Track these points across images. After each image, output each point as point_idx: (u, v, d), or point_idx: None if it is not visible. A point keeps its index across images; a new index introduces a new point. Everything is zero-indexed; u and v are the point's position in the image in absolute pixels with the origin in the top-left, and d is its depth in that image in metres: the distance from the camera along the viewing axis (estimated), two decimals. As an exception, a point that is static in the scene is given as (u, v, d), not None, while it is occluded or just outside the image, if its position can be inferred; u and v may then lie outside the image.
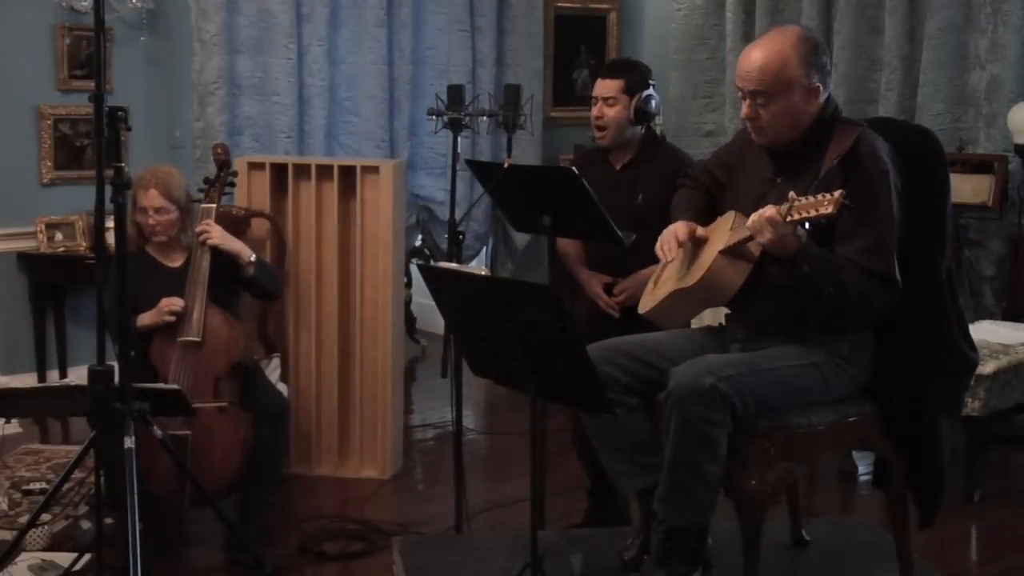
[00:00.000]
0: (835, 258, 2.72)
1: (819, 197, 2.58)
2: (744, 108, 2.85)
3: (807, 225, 2.63)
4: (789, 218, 2.62)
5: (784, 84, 2.77)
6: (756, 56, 2.80)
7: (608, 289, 3.84)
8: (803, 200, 2.61)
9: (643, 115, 3.79)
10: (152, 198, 3.88)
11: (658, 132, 3.91)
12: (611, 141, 3.83)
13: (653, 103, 3.80)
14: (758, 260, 2.83)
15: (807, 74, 2.78)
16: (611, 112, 3.79)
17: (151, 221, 3.90)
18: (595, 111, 3.82)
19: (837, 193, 2.55)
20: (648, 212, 3.67)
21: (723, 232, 2.92)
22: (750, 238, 2.75)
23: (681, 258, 3.02)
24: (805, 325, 2.87)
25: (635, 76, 3.80)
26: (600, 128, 3.82)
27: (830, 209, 2.55)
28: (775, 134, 2.84)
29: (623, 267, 3.79)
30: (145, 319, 3.82)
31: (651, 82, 3.83)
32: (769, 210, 2.66)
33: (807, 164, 2.79)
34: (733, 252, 2.84)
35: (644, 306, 3.11)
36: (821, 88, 2.81)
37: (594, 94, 3.84)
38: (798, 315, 2.86)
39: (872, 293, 2.72)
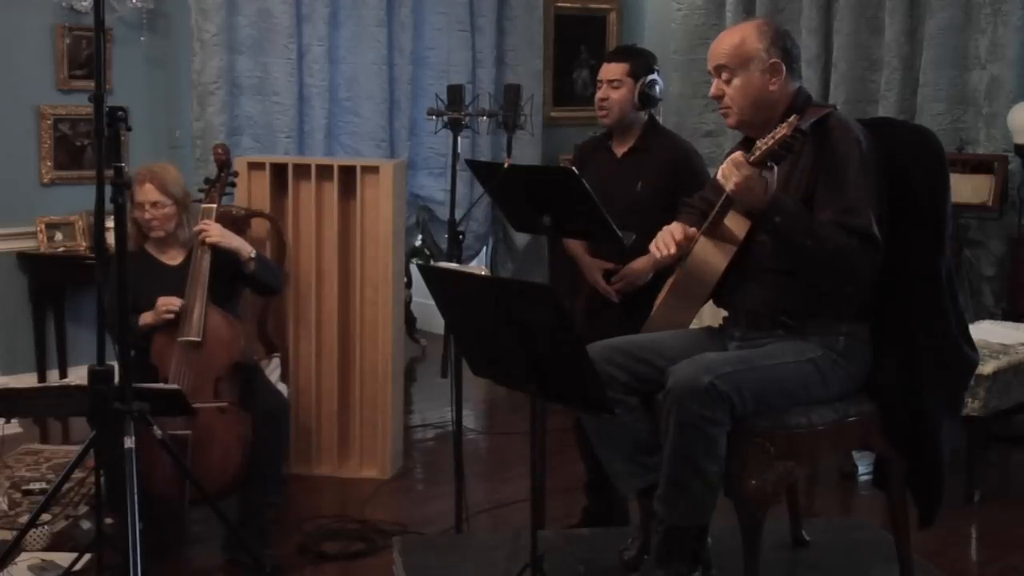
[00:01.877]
0: (810, 215, 2.76)
1: (776, 129, 2.66)
2: (712, 87, 2.95)
3: (770, 163, 2.69)
4: (751, 158, 2.69)
5: (744, 57, 2.88)
6: (722, 36, 2.98)
7: (609, 276, 3.85)
8: (762, 140, 2.69)
9: (647, 99, 3.82)
10: (147, 192, 3.89)
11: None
12: (613, 121, 3.85)
13: (657, 88, 3.83)
14: (743, 243, 2.85)
15: (766, 49, 2.88)
16: (615, 95, 3.81)
17: (147, 215, 3.91)
18: (600, 93, 3.86)
19: (792, 117, 2.64)
20: (648, 200, 3.69)
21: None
22: (727, 201, 2.81)
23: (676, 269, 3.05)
24: (800, 315, 2.88)
25: (640, 61, 3.84)
26: (603, 109, 3.84)
27: (785, 131, 2.63)
28: (740, 111, 2.91)
29: (621, 253, 3.79)
30: (146, 318, 3.83)
31: (656, 68, 3.86)
32: (735, 155, 2.75)
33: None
34: (716, 233, 2.88)
35: (646, 323, 3.12)
36: (783, 67, 2.88)
37: (599, 77, 3.88)
38: (791, 300, 2.88)
39: (852, 249, 2.73)
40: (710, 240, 2.89)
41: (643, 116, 3.87)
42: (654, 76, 3.82)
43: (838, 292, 2.85)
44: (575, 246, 3.93)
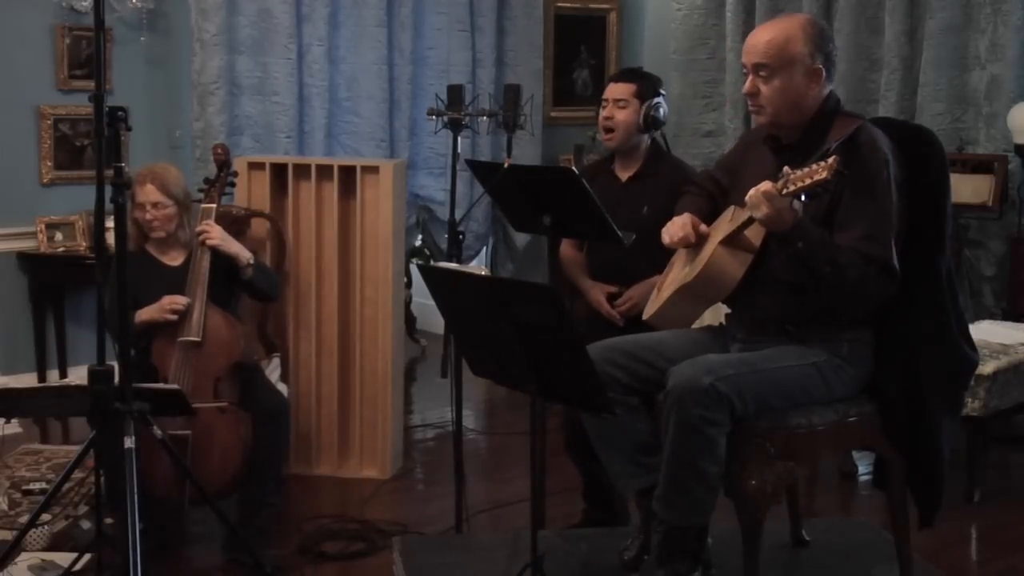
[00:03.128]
0: (832, 240, 2.73)
1: (813, 166, 2.59)
2: (747, 83, 2.86)
3: (803, 197, 2.63)
4: (785, 191, 2.63)
5: (787, 59, 2.79)
6: (764, 31, 2.86)
7: (612, 299, 3.83)
8: (798, 172, 2.62)
9: (652, 121, 3.80)
10: (148, 193, 3.89)
11: (658, 137, 3.93)
12: (618, 143, 3.83)
13: (662, 111, 3.82)
14: (758, 251, 2.83)
15: (811, 54, 2.80)
16: (621, 115, 3.80)
17: (148, 216, 3.91)
18: (605, 112, 3.83)
19: (831, 159, 2.55)
20: (653, 224, 3.66)
21: (724, 226, 2.92)
22: (749, 220, 2.75)
23: (683, 260, 3.02)
24: (806, 323, 2.87)
25: (647, 83, 3.83)
26: (608, 130, 3.83)
27: (824, 175, 2.55)
28: (774, 112, 2.85)
29: (626, 277, 3.78)
30: (144, 314, 3.82)
31: (661, 92, 3.85)
32: (765, 184, 2.67)
33: (808, 157, 2.79)
34: (733, 242, 2.84)
35: (648, 311, 3.11)
36: (823, 73, 2.83)
37: (605, 97, 3.85)
38: (799, 312, 2.87)
39: (869, 278, 2.72)
40: (727, 248, 2.86)
41: (646, 140, 3.85)
42: (659, 99, 3.81)
43: (847, 312, 2.85)
44: (574, 270, 3.93)
